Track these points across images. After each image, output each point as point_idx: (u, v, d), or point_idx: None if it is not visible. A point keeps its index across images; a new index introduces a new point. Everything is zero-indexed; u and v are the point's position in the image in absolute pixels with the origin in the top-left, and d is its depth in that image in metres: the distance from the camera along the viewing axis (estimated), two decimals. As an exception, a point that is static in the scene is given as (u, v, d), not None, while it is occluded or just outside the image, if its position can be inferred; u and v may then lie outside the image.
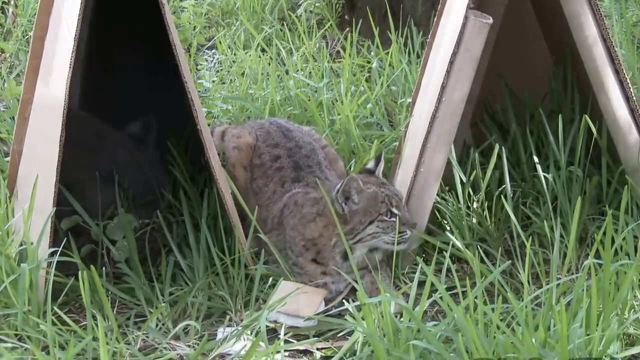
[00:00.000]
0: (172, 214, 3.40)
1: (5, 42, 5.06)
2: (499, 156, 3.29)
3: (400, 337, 2.58)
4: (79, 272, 2.79)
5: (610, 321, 2.61)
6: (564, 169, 3.34)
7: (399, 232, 3.12)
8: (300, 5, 5.64)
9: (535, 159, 3.36)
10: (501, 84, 3.63)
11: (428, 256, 3.26)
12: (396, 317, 2.69)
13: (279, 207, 3.34)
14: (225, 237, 3.19)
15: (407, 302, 2.74)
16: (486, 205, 3.33)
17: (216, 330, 2.98)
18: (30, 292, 2.86)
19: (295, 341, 2.91)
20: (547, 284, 2.82)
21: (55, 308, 2.84)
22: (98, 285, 2.78)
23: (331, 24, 5.35)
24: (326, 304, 3.12)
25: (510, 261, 3.07)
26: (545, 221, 3.20)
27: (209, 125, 3.76)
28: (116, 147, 3.55)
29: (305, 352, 2.89)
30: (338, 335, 2.94)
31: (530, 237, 3.18)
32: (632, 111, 3.25)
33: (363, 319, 2.63)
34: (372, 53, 4.87)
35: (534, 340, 2.46)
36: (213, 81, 4.74)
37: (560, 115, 3.38)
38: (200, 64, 5.04)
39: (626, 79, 3.23)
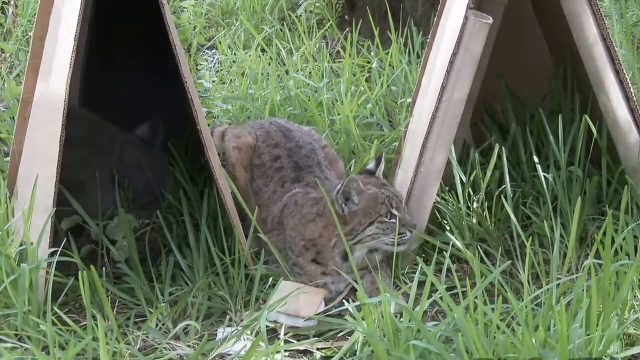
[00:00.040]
0: (172, 214, 3.40)
1: (5, 42, 5.06)
2: (499, 156, 3.29)
3: (400, 337, 2.58)
4: (79, 272, 2.79)
5: (610, 321, 2.61)
6: (564, 169, 3.34)
7: (399, 234, 3.12)
8: (300, 5, 5.64)
9: (535, 159, 3.36)
10: (501, 84, 3.63)
11: (428, 256, 3.26)
12: (396, 317, 2.69)
13: (279, 207, 3.34)
14: (225, 237, 3.19)
15: (407, 302, 2.74)
16: (486, 205, 3.33)
17: (216, 330, 2.98)
18: (30, 292, 2.86)
19: (295, 341, 2.91)
20: (547, 284, 2.82)
21: (55, 308, 2.84)
22: (98, 285, 2.78)
23: (331, 24, 5.35)
24: (326, 304, 3.12)
25: (510, 261, 3.07)
26: (545, 221, 3.20)
27: (209, 125, 3.76)
28: (116, 147, 3.55)
29: (305, 352, 2.89)
30: (338, 335, 2.94)
31: (530, 237, 3.18)
32: (632, 111, 3.25)
33: (363, 319, 2.63)
34: (372, 53, 4.87)
35: (534, 340, 2.46)
36: (213, 81, 4.74)
37: (560, 115, 3.38)
38: (200, 64, 5.03)
39: (626, 79, 3.23)
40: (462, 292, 2.81)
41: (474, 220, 3.32)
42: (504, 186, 3.30)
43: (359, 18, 5.15)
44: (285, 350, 2.83)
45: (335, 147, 3.86)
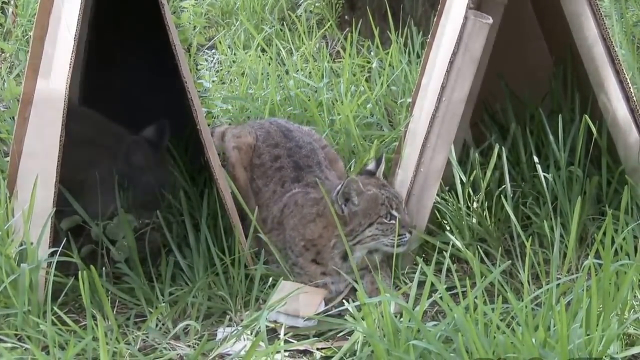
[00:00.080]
0: (172, 214, 3.40)
1: (5, 42, 5.06)
2: (499, 156, 3.29)
3: (400, 337, 2.58)
4: (79, 272, 2.79)
5: (610, 321, 2.61)
6: (564, 169, 3.34)
7: (399, 235, 3.12)
8: (300, 5, 5.64)
9: (535, 159, 3.36)
10: (501, 84, 3.63)
11: (428, 256, 3.26)
12: (396, 317, 2.69)
13: (279, 207, 3.34)
14: (225, 237, 3.19)
15: (407, 302, 2.74)
16: (486, 205, 3.33)
17: (216, 330, 2.98)
18: (30, 292, 2.86)
19: (295, 341, 2.91)
20: (547, 284, 2.82)
21: (55, 308, 2.84)
22: (98, 285, 2.78)
23: (331, 24, 5.35)
24: (326, 304, 3.12)
25: (510, 261, 3.07)
26: (545, 221, 3.20)
27: (209, 125, 3.76)
28: (123, 148, 3.54)
29: (305, 352, 2.89)
30: (338, 335, 2.94)
31: (530, 237, 3.18)
32: (632, 111, 3.25)
33: (363, 319, 2.63)
34: (372, 53, 4.87)
35: (534, 340, 2.46)
36: (213, 81, 4.74)
37: (560, 115, 3.38)
38: (200, 64, 5.03)
39: (626, 79, 3.23)
40: (462, 292, 2.81)
41: (474, 220, 3.32)
42: (504, 186, 3.30)
43: (359, 18, 5.15)
44: (285, 350, 2.83)
45: (335, 147, 3.86)
